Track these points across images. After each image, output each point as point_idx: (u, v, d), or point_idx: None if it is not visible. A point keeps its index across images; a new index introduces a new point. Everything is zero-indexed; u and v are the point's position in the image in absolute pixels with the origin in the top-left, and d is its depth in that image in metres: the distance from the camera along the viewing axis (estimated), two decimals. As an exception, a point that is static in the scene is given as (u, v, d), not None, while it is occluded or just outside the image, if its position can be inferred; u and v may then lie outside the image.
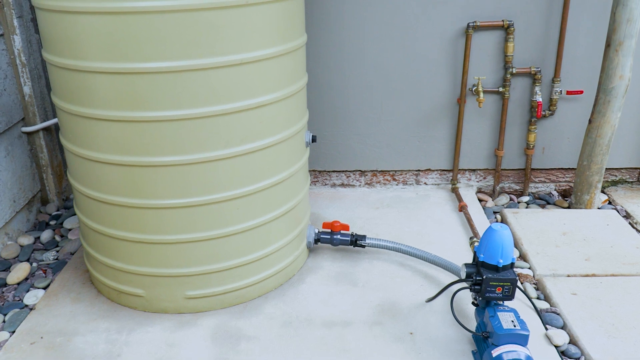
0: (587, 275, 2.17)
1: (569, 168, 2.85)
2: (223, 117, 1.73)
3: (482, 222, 2.54)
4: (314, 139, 2.15)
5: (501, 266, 1.69)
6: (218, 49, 1.65)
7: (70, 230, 2.58)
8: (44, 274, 2.28)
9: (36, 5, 1.72)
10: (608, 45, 2.36)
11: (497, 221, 2.65)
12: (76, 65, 1.67)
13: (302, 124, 2.04)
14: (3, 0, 2.35)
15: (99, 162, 1.79)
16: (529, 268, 2.25)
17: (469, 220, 2.51)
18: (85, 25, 1.60)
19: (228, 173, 1.81)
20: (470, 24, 2.53)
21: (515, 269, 2.16)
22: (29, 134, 2.59)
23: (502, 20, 2.53)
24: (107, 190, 1.83)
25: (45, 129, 2.64)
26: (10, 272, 2.28)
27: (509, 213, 2.63)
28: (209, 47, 1.63)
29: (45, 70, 2.62)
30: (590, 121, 2.51)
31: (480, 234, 2.37)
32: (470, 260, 2.07)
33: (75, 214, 2.66)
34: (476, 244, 2.05)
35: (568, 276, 2.17)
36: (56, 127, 2.70)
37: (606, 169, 2.77)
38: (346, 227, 2.28)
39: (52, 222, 2.68)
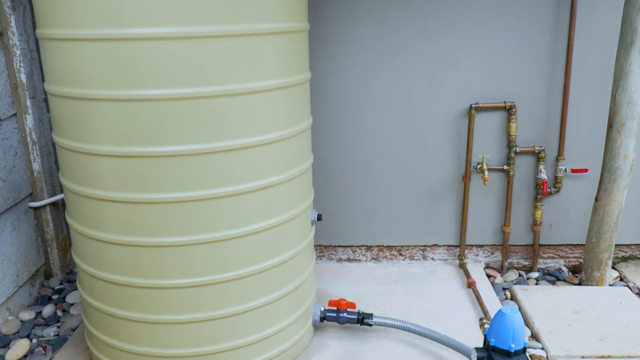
0: (602, 357, 2.10)
1: (578, 244, 2.82)
2: (228, 199, 1.74)
3: (491, 299, 2.49)
4: (319, 218, 2.15)
5: (513, 351, 1.64)
6: (224, 133, 1.68)
7: (72, 305, 2.55)
8: (43, 351, 2.23)
9: (48, 91, 1.77)
10: (610, 126, 2.39)
11: (506, 298, 2.60)
12: (84, 148, 1.70)
13: (307, 203, 2.05)
14: (18, 82, 2.44)
15: (104, 242, 1.79)
16: (542, 349, 2.18)
17: (478, 297, 2.47)
18: (95, 111, 1.64)
19: (233, 253, 1.80)
20: (472, 105, 2.58)
21: (528, 350, 2.10)
22: (35, 208, 2.61)
23: (504, 102, 2.59)
24: (111, 270, 1.82)
25: (52, 204, 2.66)
26: (9, 348, 2.23)
27: (518, 290, 2.58)
28: (215, 132, 1.66)
29: (55, 147, 2.66)
30: (596, 199, 2.51)
31: (490, 311, 2.32)
32: (480, 341, 2.02)
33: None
34: (486, 326, 2.01)
35: (582, 357, 2.10)
36: (63, 201, 2.72)
37: (615, 244, 2.74)
38: (352, 305, 2.24)
39: (55, 297, 2.64)
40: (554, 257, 2.86)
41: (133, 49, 1.56)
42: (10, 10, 2.39)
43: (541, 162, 2.64)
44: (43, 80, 2.52)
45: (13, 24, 2.40)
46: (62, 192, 2.71)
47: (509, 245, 2.84)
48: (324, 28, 2.56)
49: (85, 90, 1.63)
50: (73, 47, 1.62)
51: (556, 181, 2.69)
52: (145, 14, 1.53)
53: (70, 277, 2.81)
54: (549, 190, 2.70)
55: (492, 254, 2.88)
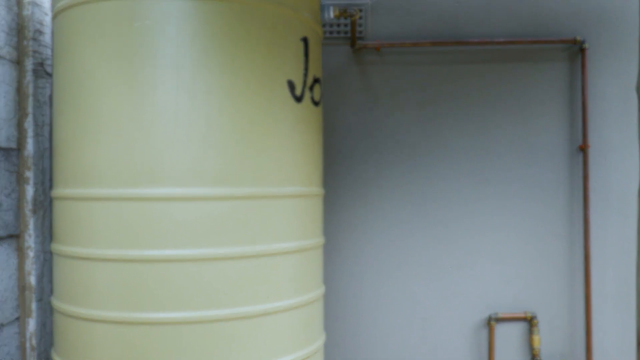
0: None
1: None
2: None
3: None
4: None
5: None
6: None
7: None
8: None
9: (56, 308, 1.75)
10: (639, 343, 2.26)
11: None
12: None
13: None
14: (26, 285, 2.40)
15: None
16: None
17: None
18: (100, 335, 1.59)
19: None
20: (491, 316, 2.48)
21: None
22: (23, 421, 2.40)
23: (524, 312, 2.49)
24: None
25: (42, 416, 2.46)
26: None
27: None
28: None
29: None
30: None
31: None
32: None
33: None
34: None
35: None
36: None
37: None
38: None
39: None
40: None
41: (145, 270, 1.54)
42: (30, 213, 2.44)
43: (570, 380, 2.46)
44: (52, 281, 2.49)
45: (31, 226, 2.44)
46: (54, 402, 2.52)
47: None
48: (336, 237, 2.57)
49: (94, 311, 1.59)
50: (86, 266, 1.61)
51: (590, 402, 2.48)
52: (161, 237, 1.54)
53: None
54: (583, 412, 2.47)
55: None
